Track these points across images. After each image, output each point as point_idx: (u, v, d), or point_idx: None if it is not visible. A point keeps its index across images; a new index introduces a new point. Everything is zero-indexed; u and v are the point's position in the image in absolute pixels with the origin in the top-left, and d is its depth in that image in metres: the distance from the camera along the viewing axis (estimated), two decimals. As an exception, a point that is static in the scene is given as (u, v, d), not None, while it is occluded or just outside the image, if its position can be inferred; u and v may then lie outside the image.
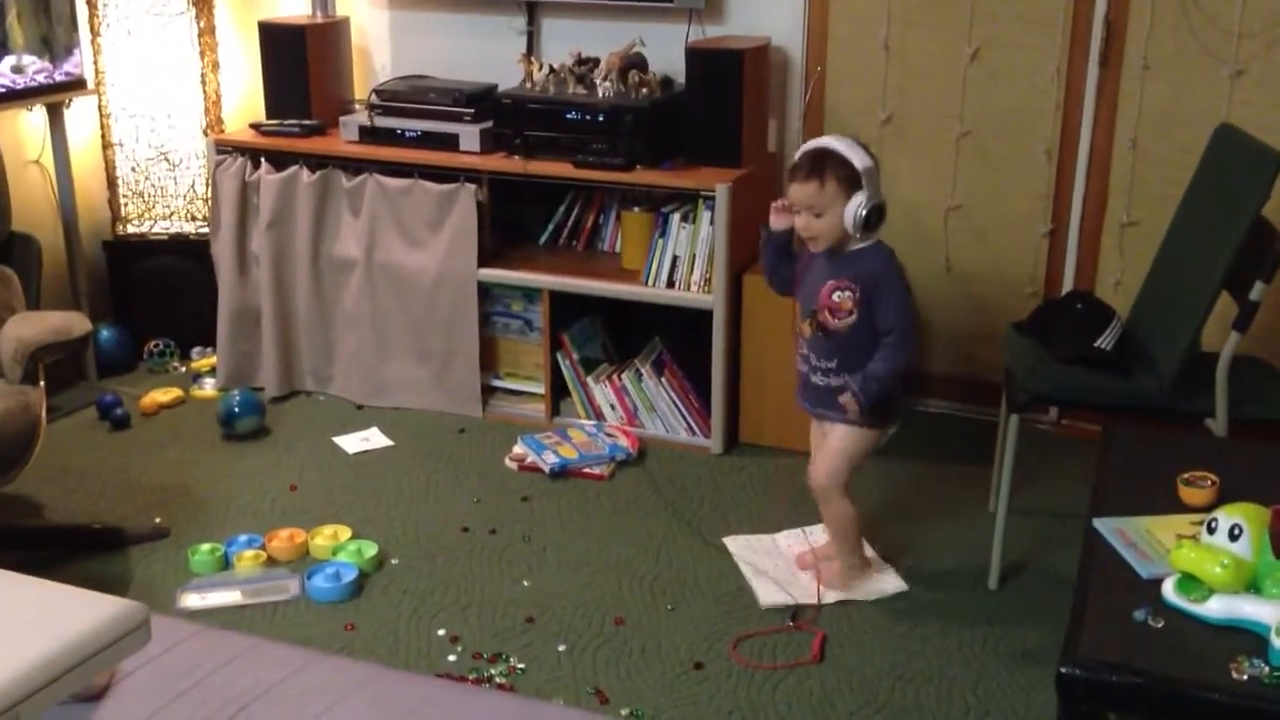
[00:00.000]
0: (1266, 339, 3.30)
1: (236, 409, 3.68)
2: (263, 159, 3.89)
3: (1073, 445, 3.67)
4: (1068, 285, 3.68)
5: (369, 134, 3.85)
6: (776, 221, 2.84)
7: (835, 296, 2.74)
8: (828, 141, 2.74)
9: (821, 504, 2.94)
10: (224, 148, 3.94)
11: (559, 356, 3.82)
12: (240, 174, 3.90)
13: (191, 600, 2.87)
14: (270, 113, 4.01)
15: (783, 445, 3.62)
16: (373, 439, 3.74)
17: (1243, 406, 2.72)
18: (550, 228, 4.04)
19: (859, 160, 2.68)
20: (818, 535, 3.12)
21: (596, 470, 3.52)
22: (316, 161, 3.87)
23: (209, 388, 4.02)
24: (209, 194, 4.01)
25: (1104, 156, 3.57)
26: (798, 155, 2.78)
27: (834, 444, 2.85)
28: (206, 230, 4.07)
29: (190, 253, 4.17)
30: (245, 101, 4.26)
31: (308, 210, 3.86)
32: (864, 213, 2.67)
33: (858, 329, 2.75)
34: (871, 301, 2.72)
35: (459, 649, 2.71)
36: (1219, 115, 3.23)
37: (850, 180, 2.68)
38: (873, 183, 2.69)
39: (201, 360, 4.18)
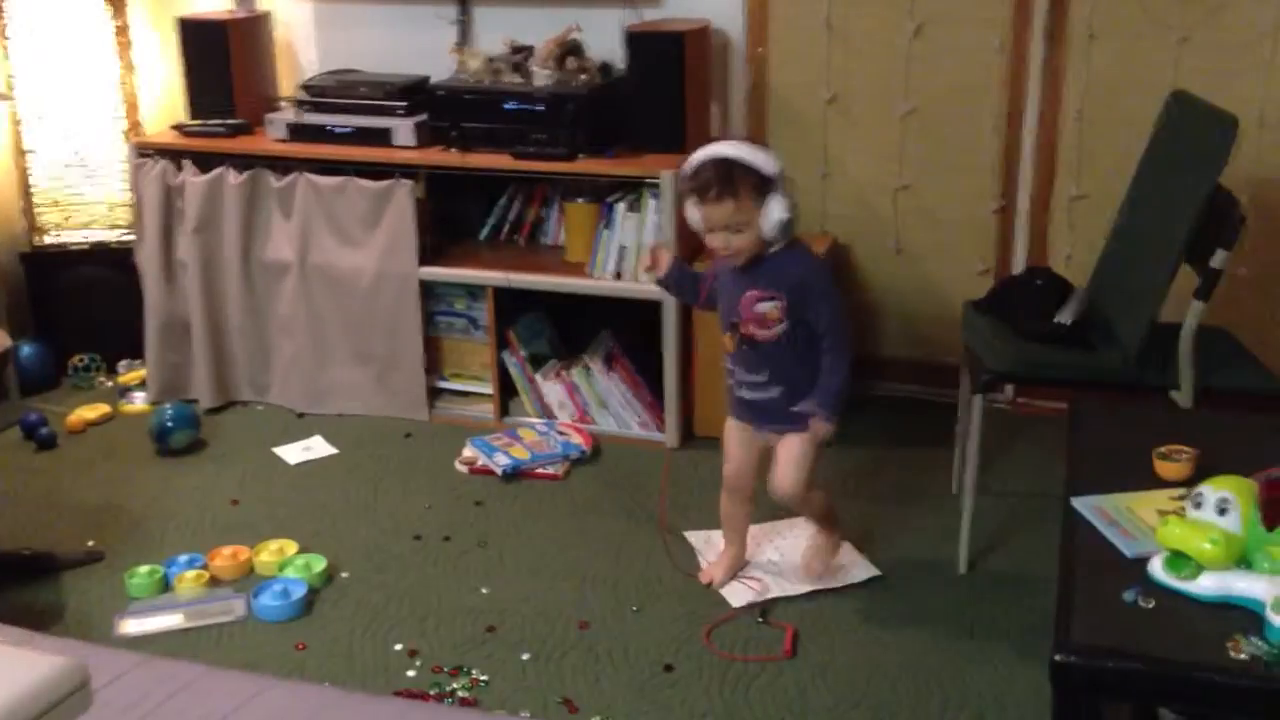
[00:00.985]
0: (1227, 309, 3.28)
1: (170, 423, 3.53)
2: (186, 161, 3.73)
3: (1031, 423, 3.63)
4: (1019, 262, 3.64)
5: (298, 131, 3.71)
6: (660, 269, 2.73)
7: (760, 307, 2.60)
8: (726, 150, 2.55)
9: (795, 509, 2.85)
10: (145, 150, 3.78)
11: (506, 355, 3.71)
12: (163, 177, 3.74)
13: (131, 626, 2.73)
14: (193, 112, 3.85)
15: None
16: (315, 448, 3.60)
17: (1207, 377, 2.68)
18: (491, 222, 3.93)
19: (766, 165, 2.53)
20: (780, 529, 3.04)
21: (550, 470, 3.41)
22: (243, 162, 3.72)
23: (139, 402, 3.86)
24: (131, 200, 3.84)
25: (1051, 129, 3.53)
26: (694, 169, 2.56)
27: (791, 453, 2.69)
28: (129, 238, 3.90)
29: (113, 262, 4.00)
30: (165, 102, 4.09)
31: (236, 213, 3.70)
32: (786, 218, 2.53)
33: (789, 337, 2.61)
34: (801, 306, 2.59)
35: (418, 663, 2.60)
36: (1166, 84, 3.19)
37: (762, 188, 2.52)
38: (783, 184, 2.55)
39: (129, 374, 4.01)
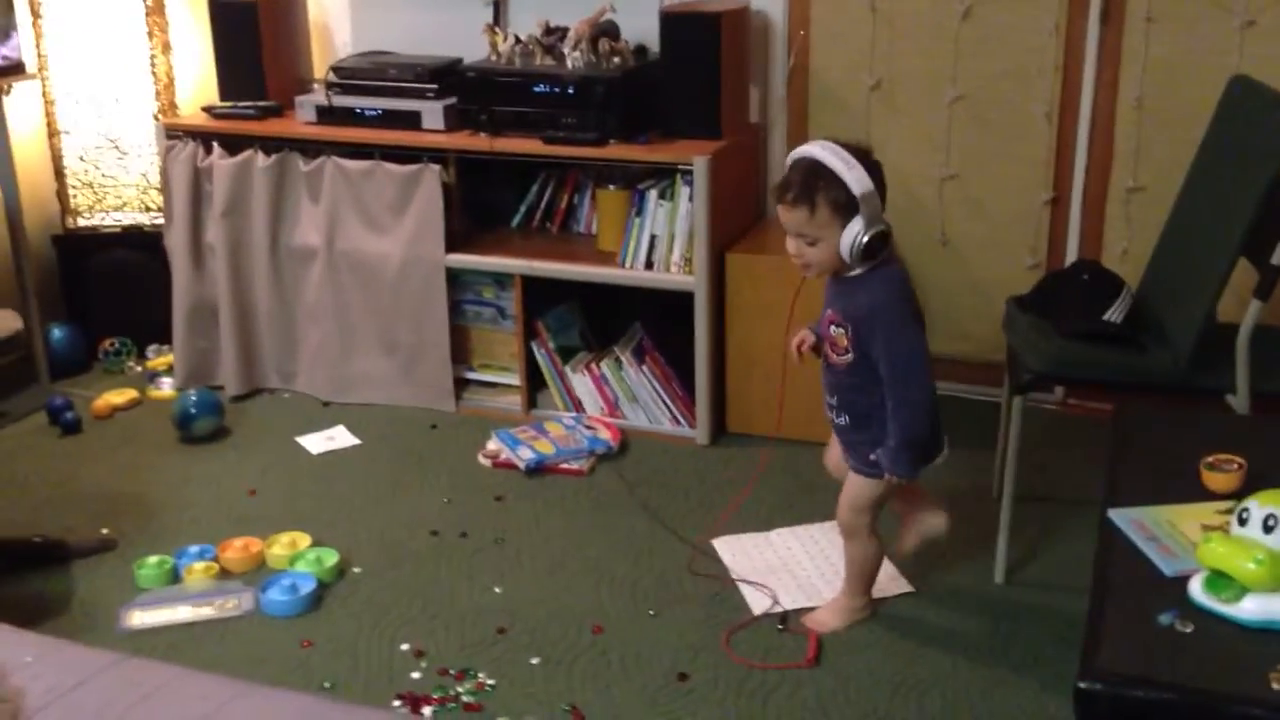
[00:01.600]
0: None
1: (193, 410, 3.47)
2: (215, 143, 3.68)
3: (1081, 425, 3.46)
4: (1071, 256, 3.47)
5: (327, 114, 3.63)
6: (806, 350, 2.52)
7: (833, 330, 2.42)
8: (819, 154, 2.30)
9: (846, 544, 2.61)
10: (174, 132, 3.73)
11: (534, 346, 3.61)
12: (192, 160, 3.69)
13: (137, 618, 2.67)
14: (223, 94, 3.79)
15: (773, 434, 3.40)
16: (338, 438, 3.53)
17: (1266, 381, 2.51)
18: (523, 209, 3.83)
19: (855, 182, 2.26)
20: (814, 533, 2.91)
21: (575, 466, 3.31)
22: (272, 145, 3.65)
23: (166, 388, 3.81)
24: (161, 182, 3.80)
25: (1107, 118, 3.36)
26: (788, 167, 2.37)
27: (849, 490, 2.53)
28: (161, 221, 3.86)
29: (145, 245, 3.96)
30: (200, 84, 4.04)
31: (264, 196, 3.64)
32: (864, 241, 2.29)
33: (856, 369, 2.41)
34: (868, 339, 2.37)
35: (424, 664, 2.51)
36: (1229, 70, 3.00)
37: (845, 207, 2.28)
38: (872, 206, 2.28)
39: (158, 359, 3.97)
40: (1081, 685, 1.51)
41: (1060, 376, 2.76)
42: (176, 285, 3.80)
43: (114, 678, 1.74)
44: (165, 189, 3.76)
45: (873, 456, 2.45)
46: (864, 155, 2.31)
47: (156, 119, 3.86)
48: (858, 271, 2.36)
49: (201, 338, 3.82)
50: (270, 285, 3.73)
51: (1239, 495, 1.74)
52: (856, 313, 2.37)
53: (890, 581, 2.74)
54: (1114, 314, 2.64)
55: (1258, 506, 1.62)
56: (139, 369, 3.99)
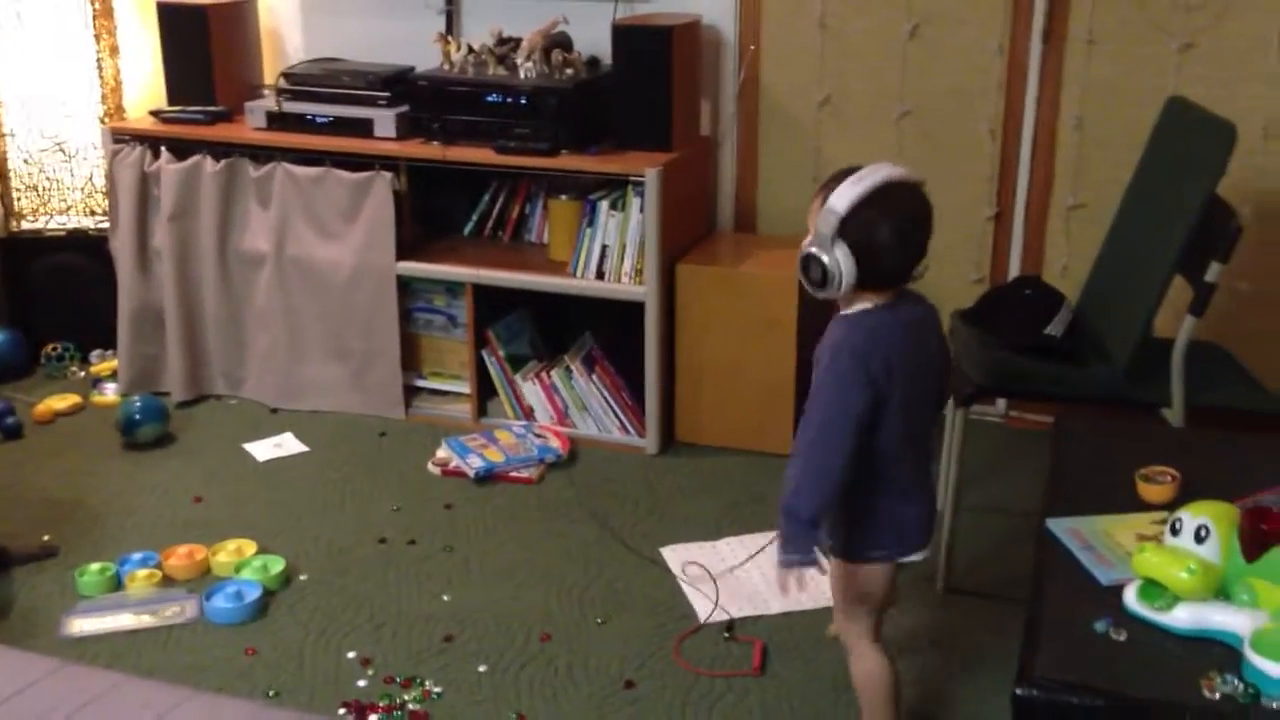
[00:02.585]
0: (1222, 324, 3.17)
1: (137, 415, 3.44)
2: (163, 148, 3.65)
3: (1023, 438, 3.52)
4: (1014, 271, 3.53)
5: (277, 120, 3.62)
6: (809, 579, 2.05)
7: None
8: (869, 169, 1.97)
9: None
10: (121, 136, 3.70)
11: (485, 354, 3.61)
12: (139, 164, 3.66)
13: (78, 626, 2.64)
14: (171, 99, 3.77)
15: (722, 444, 3.44)
16: (286, 445, 3.51)
17: (1200, 394, 2.57)
18: (474, 218, 3.84)
19: (842, 200, 1.92)
20: (760, 542, 2.94)
21: (525, 474, 3.32)
22: (221, 150, 3.63)
23: (110, 393, 3.77)
24: (107, 186, 3.77)
25: (1049, 136, 3.43)
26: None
27: (833, 575, 2.20)
28: (107, 225, 3.82)
29: (90, 249, 3.92)
30: (148, 88, 4.01)
31: (212, 202, 3.62)
32: (835, 275, 1.94)
33: None
34: None
35: (370, 673, 2.50)
36: (1167, 91, 3.07)
37: (835, 225, 1.93)
38: (859, 232, 1.92)
39: (102, 364, 3.93)
40: (1019, 692, 1.54)
41: (1002, 389, 2.81)
42: (122, 290, 3.76)
43: (55, 684, 1.73)
44: (111, 193, 3.73)
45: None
46: (896, 185, 1.96)
47: (103, 122, 3.82)
48: (845, 311, 2.02)
49: (146, 343, 3.79)
50: (218, 290, 3.70)
51: (1173, 506, 1.78)
52: (818, 353, 2.02)
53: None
54: (1054, 328, 2.70)
55: (1190, 517, 1.66)
56: (82, 374, 3.94)
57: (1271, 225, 3.24)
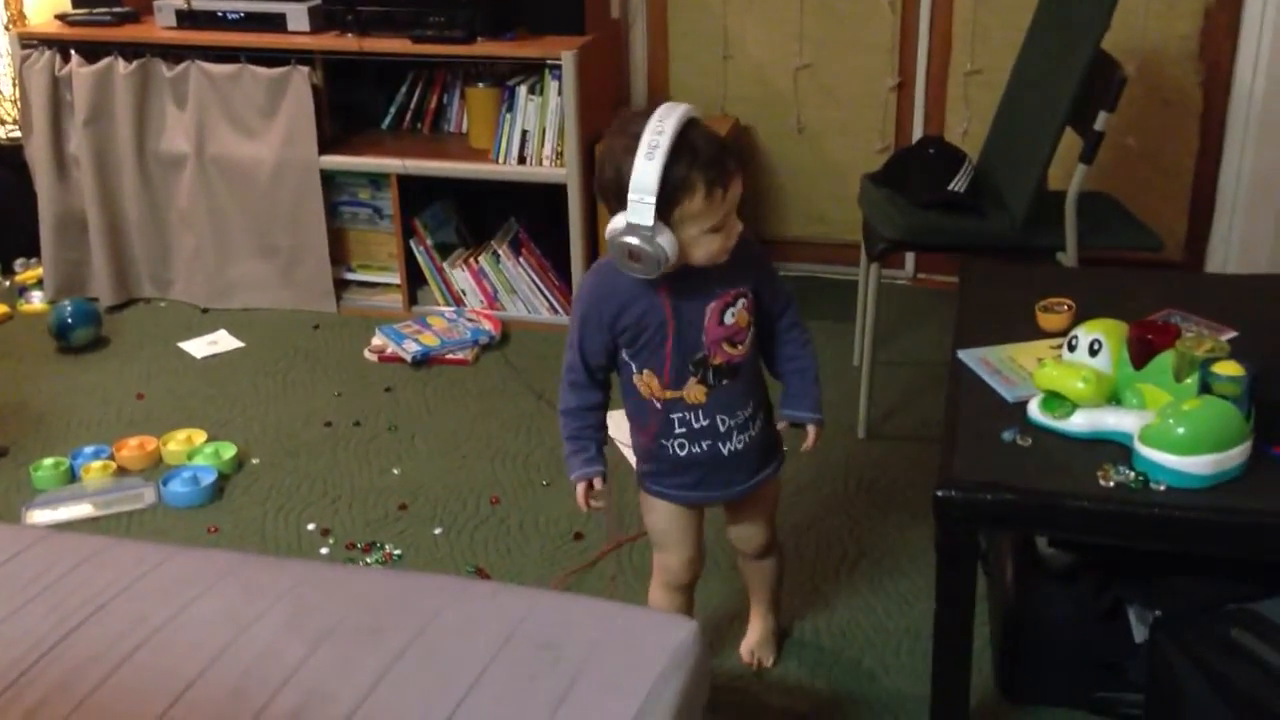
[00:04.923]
0: (1111, 179, 3.38)
1: (70, 320, 3.47)
2: (73, 51, 3.62)
3: (930, 298, 3.72)
4: (917, 138, 3.69)
5: (187, 18, 3.61)
6: (599, 496, 2.01)
7: (727, 317, 1.90)
8: (688, 112, 1.76)
9: (765, 561, 2.22)
10: (29, 41, 3.65)
11: (413, 244, 3.69)
12: (50, 69, 3.62)
13: (38, 516, 2.71)
14: (76, 1, 3.72)
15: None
16: (221, 342, 3.57)
17: (1091, 239, 2.77)
18: (393, 110, 3.88)
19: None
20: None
21: (460, 355, 3.43)
22: (133, 51, 3.61)
23: (37, 301, 3.78)
24: (16, 94, 3.73)
25: (946, 4, 3.56)
26: (684, 148, 1.73)
27: (772, 499, 2.15)
28: (19, 134, 3.79)
29: (4, 159, 3.88)
30: (48, -7, 3.95)
31: (127, 104, 3.61)
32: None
33: (753, 342, 1.97)
34: (762, 288, 1.95)
35: (331, 541, 2.63)
36: (1056, -44, 3.23)
37: None
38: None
39: (26, 272, 3.92)
40: (939, 494, 1.72)
41: (912, 243, 2.97)
42: (41, 197, 3.75)
43: (46, 549, 1.82)
44: (22, 100, 3.69)
45: (791, 414, 2.07)
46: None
47: (8, 29, 3.77)
48: None
49: (70, 249, 3.79)
50: (139, 194, 3.71)
51: (1069, 333, 1.96)
52: (745, 264, 1.90)
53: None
54: (958, 184, 2.87)
55: (1084, 333, 1.83)
56: (7, 283, 3.93)
57: (1154, 83, 3.44)
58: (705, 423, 1.93)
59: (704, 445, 1.95)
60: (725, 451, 1.97)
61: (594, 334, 1.91)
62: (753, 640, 2.28)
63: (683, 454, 1.96)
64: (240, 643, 1.62)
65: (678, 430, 1.94)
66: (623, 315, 1.88)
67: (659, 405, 1.93)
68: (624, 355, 1.93)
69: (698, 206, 1.76)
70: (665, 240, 1.75)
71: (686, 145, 1.73)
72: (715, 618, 2.37)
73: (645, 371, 1.92)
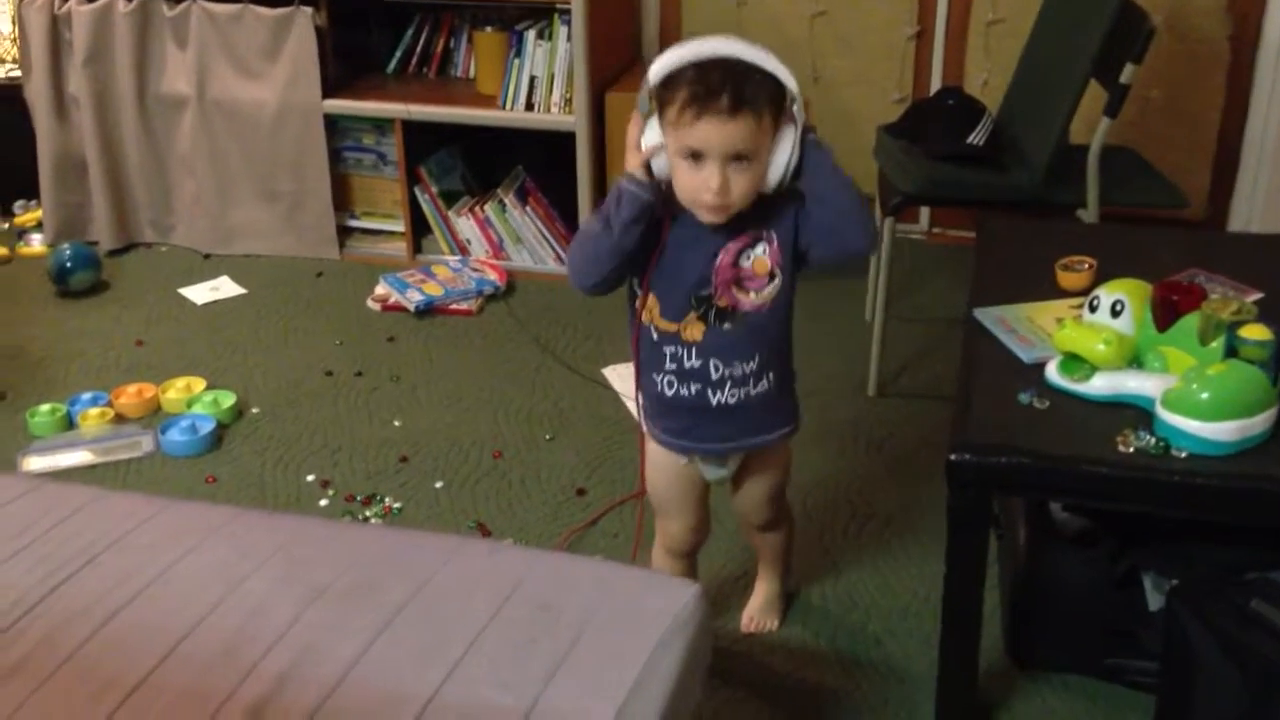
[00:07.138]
0: (1134, 132, 3.29)
1: (69, 263, 3.42)
2: (72, -12, 3.54)
3: (945, 253, 3.65)
4: (935, 89, 3.60)
5: (189, -44, 3.52)
6: (653, 161, 1.74)
7: (745, 262, 1.80)
8: (735, 50, 1.70)
9: (772, 533, 2.17)
10: (27, -22, 3.58)
11: (417, 191, 3.62)
12: (49, 7, 3.55)
13: (35, 463, 2.68)
14: (75, -63, 3.63)
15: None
16: (223, 288, 3.52)
17: (1113, 195, 2.70)
18: (398, 54, 3.80)
19: (789, 77, 1.70)
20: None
21: (464, 306, 3.38)
22: (133, -11, 3.53)
23: (36, 244, 3.73)
24: (15, 33, 3.65)
25: (968, -48, 3.47)
26: (684, 67, 1.70)
27: (780, 461, 2.04)
28: (19, 74, 3.72)
29: (3, 98, 3.81)
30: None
31: (127, 44, 3.53)
32: (797, 158, 1.72)
33: (782, 300, 1.84)
34: (805, 227, 1.80)
35: (330, 493, 2.59)
36: (1083, -98, 3.13)
37: (780, 109, 1.71)
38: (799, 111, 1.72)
39: (25, 215, 3.87)
40: (953, 457, 1.66)
41: (928, 197, 2.89)
42: (40, 138, 3.69)
43: (37, 499, 1.78)
44: (21, 39, 3.62)
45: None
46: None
47: (5, -36, 3.69)
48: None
49: (70, 191, 3.73)
50: (140, 136, 3.65)
51: (1089, 292, 1.89)
52: (783, 211, 1.80)
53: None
54: (977, 137, 2.79)
55: (1106, 294, 1.78)
56: (5, 226, 3.88)
57: (1180, 35, 3.34)
58: (697, 364, 1.84)
59: (692, 389, 1.86)
60: (714, 402, 1.86)
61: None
62: (755, 606, 2.24)
63: (670, 393, 1.87)
64: (232, 599, 1.57)
65: (668, 365, 1.85)
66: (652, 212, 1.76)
67: (655, 335, 1.85)
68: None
69: (673, 114, 1.69)
70: (654, 135, 1.72)
71: (708, 61, 1.69)
72: (719, 578, 2.33)
73: (650, 296, 1.84)
